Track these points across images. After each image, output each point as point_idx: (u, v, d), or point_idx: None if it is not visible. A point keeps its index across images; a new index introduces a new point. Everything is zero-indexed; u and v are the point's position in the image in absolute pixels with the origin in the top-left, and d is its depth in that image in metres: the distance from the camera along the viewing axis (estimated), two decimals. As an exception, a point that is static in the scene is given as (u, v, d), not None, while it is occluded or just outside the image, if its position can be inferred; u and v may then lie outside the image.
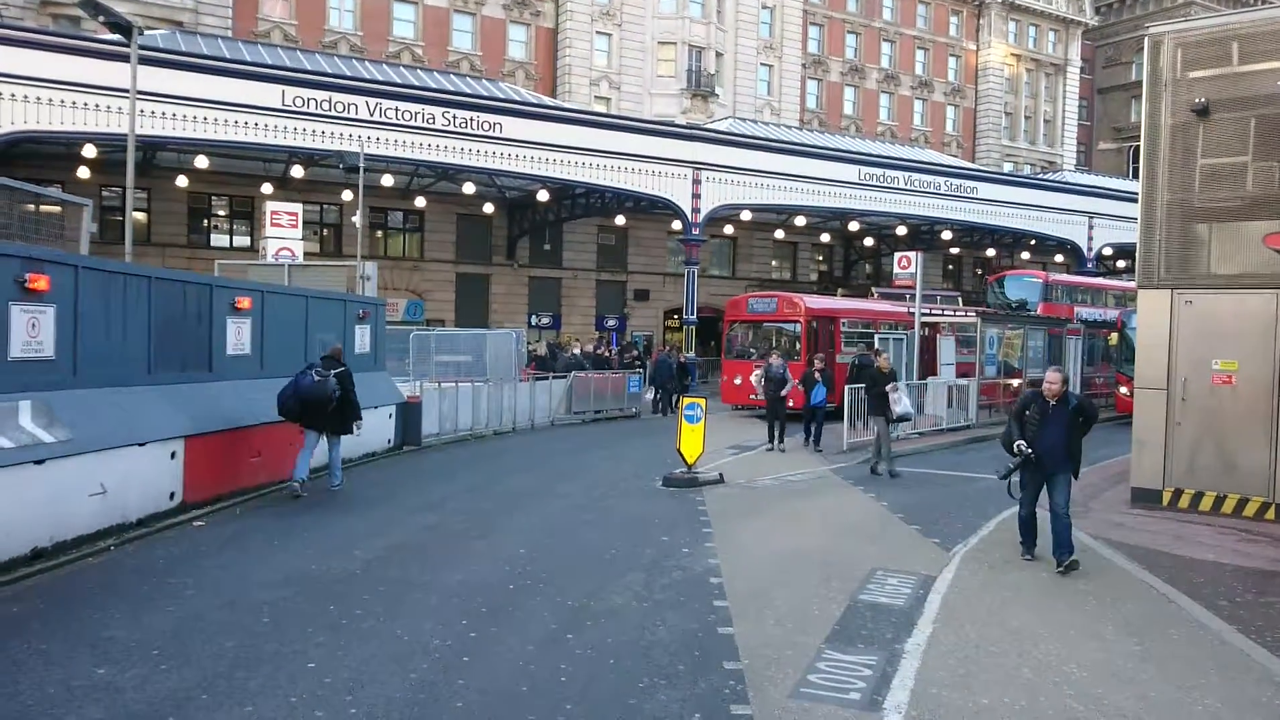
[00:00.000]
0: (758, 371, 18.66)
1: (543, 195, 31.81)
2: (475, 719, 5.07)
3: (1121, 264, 45.18)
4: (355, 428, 12.36)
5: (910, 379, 20.32)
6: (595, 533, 10.01)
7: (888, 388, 14.79)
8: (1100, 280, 37.56)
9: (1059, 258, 44.02)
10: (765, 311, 25.07)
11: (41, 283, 8.41)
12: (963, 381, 22.23)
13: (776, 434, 17.50)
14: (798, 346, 23.24)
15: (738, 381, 23.98)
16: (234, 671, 5.63)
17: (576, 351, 27.56)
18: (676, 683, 5.63)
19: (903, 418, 15.74)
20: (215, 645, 6.09)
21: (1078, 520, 11.05)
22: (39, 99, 21.46)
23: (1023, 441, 8.64)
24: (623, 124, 31.31)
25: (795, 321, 24.00)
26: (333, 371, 11.69)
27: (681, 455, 13.31)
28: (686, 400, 13.92)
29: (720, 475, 13.65)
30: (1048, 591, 7.90)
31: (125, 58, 15.53)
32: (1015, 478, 8.90)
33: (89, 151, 24.61)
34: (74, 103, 21.77)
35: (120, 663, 5.72)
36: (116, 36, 15.88)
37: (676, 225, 33.34)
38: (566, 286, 38.57)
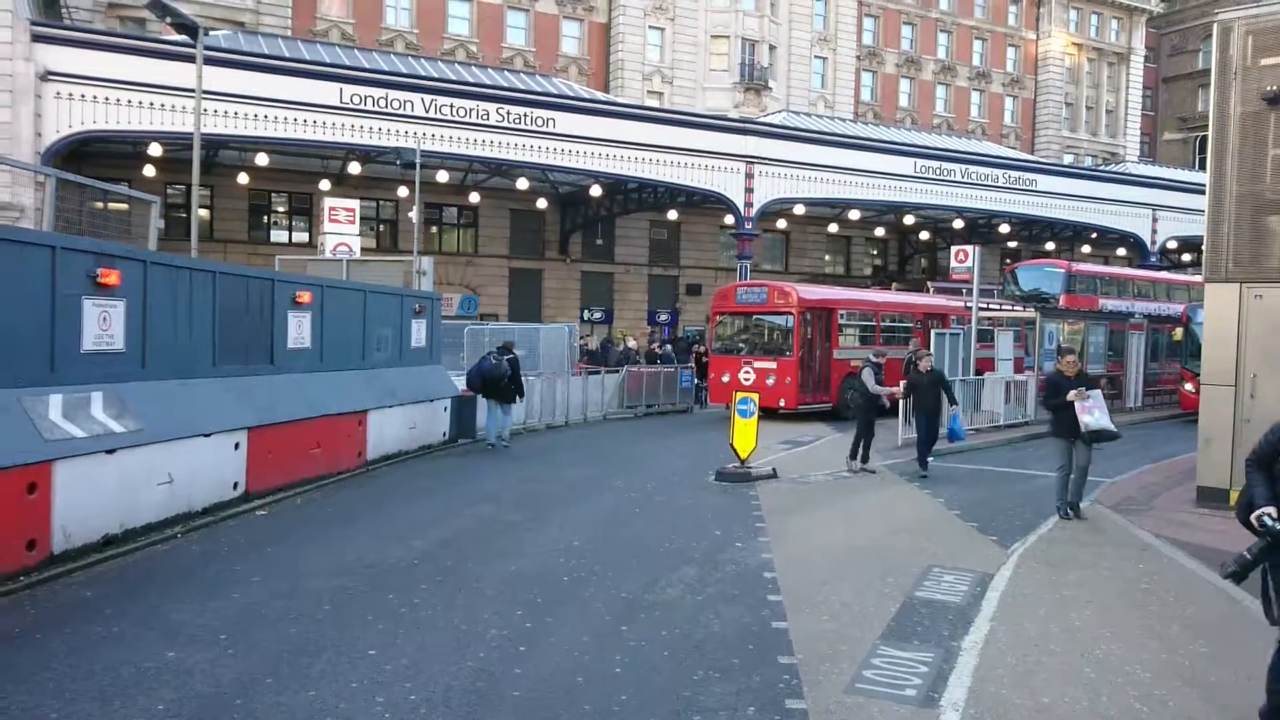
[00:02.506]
0: (866, 370, 15.07)
1: (595, 190, 31.89)
2: (532, 708, 5.13)
3: (1187, 258, 43.89)
4: (518, 399, 16.54)
5: (969, 374, 20.03)
6: (648, 526, 10.05)
7: (1071, 396, 10.64)
8: (1127, 270, 35.93)
9: (1121, 251, 43.01)
10: (755, 302, 22.97)
11: (112, 277, 8.65)
12: (1020, 377, 21.85)
13: (861, 450, 14.33)
14: (790, 340, 21.70)
15: (725, 379, 22.17)
16: (297, 657, 5.77)
17: (632, 344, 27.64)
18: (730, 676, 5.64)
19: (1101, 434, 10.60)
20: (278, 631, 6.24)
21: (1139, 517, 10.83)
22: (107, 99, 22.02)
23: (1271, 509, 4.60)
24: (675, 118, 31.20)
25: (787, 313, 22.00)
26: (505, 358, 15.94)
27: (734, 450, 13.28)
28: (739, 395, 13.89)
29: (773, 470, 13.60)
30: (1109, 591, 7.74)
31: (190, 58, 15.92)
32: (1269, 580, 4.65)
33: (154, 150, 25.24)
34: (140, 102, 22.30)
35: (188, 646, 5.89)
36: (182, 37, 16.31)
37: (729, 220, 33.17)
38: (619, 281, 38.64)
